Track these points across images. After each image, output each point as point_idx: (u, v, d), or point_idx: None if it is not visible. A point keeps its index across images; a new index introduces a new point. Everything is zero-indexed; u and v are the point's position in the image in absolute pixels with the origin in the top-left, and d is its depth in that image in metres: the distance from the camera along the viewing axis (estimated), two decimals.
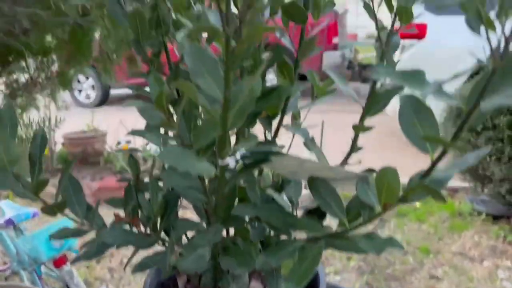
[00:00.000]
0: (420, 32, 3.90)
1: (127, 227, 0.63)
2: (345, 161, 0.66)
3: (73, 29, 1.16)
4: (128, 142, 4.08)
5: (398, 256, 2.45)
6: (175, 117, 0.52)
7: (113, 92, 7.47)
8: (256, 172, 0.74)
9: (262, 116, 0.73)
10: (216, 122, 0.46)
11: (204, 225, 0.63)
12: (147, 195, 0.75)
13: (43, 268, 1.86)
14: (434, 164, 0.40)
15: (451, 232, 2.67)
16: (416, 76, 0.38)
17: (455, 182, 3.18)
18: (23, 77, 1.66)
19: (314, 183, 0.55)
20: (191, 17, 0.65)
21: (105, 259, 2.50)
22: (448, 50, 3.61)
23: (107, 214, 0.69)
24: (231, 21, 0.39)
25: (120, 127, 4.11)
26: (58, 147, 4.14)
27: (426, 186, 0.39)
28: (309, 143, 0.66)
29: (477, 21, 0.38)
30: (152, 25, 0.66)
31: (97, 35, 1.28)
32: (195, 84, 0.44)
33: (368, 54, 8.38)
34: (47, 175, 3.79)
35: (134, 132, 0.58)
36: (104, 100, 7.36)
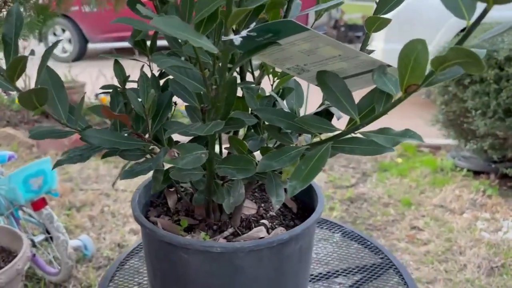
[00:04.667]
0: None
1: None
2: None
3: None
4: (108, 94, 3.94)
5: (380, 208, 2.48)
6: None
7: (91, 46, 7.20)
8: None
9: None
10: None
11: None
12: None
13: (21, 214, 1.80)
14: (471, 28, 0.36)
15: (433, 186, 2.70)
16: None
17: (438, 139, 3.20)
18: None
19: (323, 76, 0.51)
20: None
21: (85, 207, 2.46)
22: (435, 7, 3.55)
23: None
24: None
25: (99, 79, 3.97)
26: None
27: (466, 50, 0.34)
28: None
29: None
30: None
31: None
32: None
33: (353, 15, 8.25)
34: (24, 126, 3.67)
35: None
36: (82, 54, 7.10)
